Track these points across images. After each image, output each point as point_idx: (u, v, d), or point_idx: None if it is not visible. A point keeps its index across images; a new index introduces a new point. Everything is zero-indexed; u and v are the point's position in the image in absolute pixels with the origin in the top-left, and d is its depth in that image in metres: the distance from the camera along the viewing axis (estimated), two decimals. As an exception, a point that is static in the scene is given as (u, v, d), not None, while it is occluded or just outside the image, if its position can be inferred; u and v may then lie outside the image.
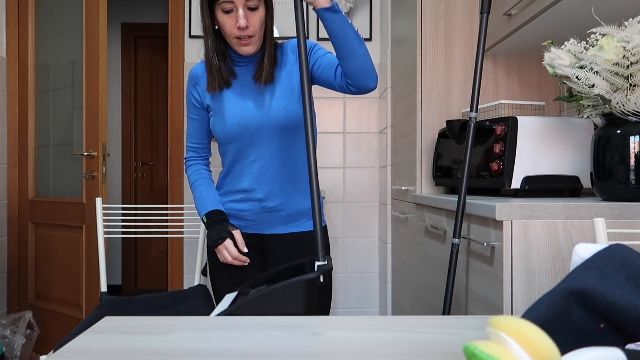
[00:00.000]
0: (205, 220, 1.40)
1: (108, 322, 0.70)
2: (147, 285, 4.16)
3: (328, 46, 1.37)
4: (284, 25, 2.66)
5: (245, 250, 1.40)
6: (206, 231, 1.41)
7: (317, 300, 1.43)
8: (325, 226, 1.51)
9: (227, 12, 1.30)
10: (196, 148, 1.50)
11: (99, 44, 2.44)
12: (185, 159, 1.52)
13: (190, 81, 1.45)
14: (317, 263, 1.08)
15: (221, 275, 1.46)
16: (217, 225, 1.38)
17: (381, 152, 2.69)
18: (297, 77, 1.39)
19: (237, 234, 1.40)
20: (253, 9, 1.31)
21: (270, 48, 1.38)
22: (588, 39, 1.17)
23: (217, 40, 1.37)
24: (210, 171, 1.52)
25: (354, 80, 1.29)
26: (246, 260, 1.40)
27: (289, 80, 1.39)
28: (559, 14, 1.44)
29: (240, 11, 1.29)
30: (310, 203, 1.43)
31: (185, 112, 2.74)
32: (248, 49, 1.34)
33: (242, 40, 1.33)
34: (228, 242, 1.37)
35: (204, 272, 2.35)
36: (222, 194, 1.46)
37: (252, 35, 1.32)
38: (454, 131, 1.69)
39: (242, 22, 1.29)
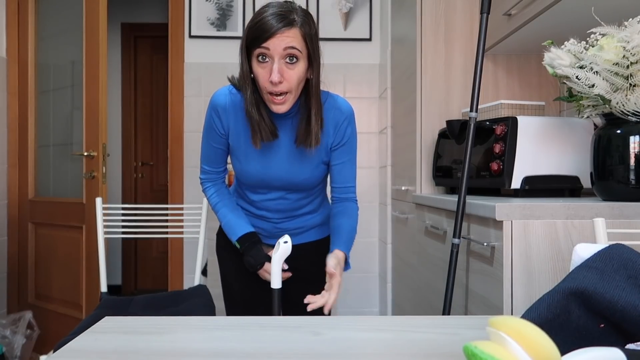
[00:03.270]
0: (238, 246, 1.36)
1: (108, 322, 0.70)
2: (147, 285, 4.16)
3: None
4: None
5: (286, 267, 1.34)
6: (241, 251, 1.36)
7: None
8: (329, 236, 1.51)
9: (263, 61, 1.17)
10: (215, 171, 1.41)
11: (99, 44, 2.44)
12: (203, 180, 1.43)
13: (213, 110, 1.31)
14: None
15: (239, 281, 1.46)
16: (252, 250, 1.33)
17: (381, 152, 2.69)
18: (326, 143, 1.33)
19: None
20: (292, 62, 1.16)
21: (318, 109, 1.24)
22: (588, 39, 1.17)
23: (255, 89, 1.23)
24: (227, 185, 1.49)
25: None
26: (289, 275, 1.38)
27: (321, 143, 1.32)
28: (559, 14, 1.44)
29: (275, 64, 1.15)
30: (319, 219, 1.46)
31: (185, 111, 2.76)
32: (281, 108, 1.20)
33: (274, 98, 1.18)
34: (267, 266, 1.32)
35: (204, 272, 2.36)
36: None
37: (286, 91, 1.18)
38: (454, 131, 1.69)
39: (274, 77, 1.14)
